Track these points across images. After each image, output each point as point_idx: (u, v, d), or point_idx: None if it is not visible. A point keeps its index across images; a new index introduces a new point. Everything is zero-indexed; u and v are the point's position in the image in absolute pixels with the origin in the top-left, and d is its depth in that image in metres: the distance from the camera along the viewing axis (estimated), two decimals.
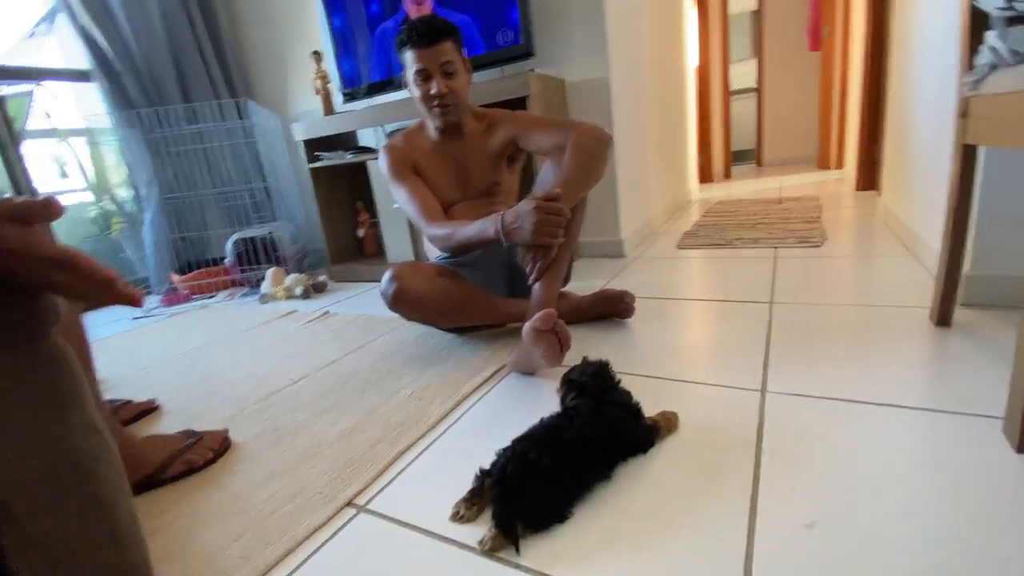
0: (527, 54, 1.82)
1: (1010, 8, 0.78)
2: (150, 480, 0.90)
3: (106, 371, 1.48)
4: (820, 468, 0.70)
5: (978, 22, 0.91)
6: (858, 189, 2.88)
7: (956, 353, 0.97)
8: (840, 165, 3.90)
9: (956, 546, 0.56)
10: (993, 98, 0.79)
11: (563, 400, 0.85)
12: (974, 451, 0.70)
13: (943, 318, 1.07)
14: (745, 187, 3.84)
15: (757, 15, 4.84)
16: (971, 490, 0.63)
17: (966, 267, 1.16)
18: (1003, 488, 0.63)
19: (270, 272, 2.19)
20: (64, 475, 0.56)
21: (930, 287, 1.14)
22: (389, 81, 2.11)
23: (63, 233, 2.39)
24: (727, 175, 4.78)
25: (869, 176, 2.79)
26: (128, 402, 1.20)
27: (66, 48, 2.50)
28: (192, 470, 0.93)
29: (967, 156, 0.94)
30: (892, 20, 2.18)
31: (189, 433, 1.00)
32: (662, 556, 0.59)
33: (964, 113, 0.91)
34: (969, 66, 0.91)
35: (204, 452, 0.96)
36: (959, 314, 1.13)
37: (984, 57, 0.83)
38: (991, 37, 0.82)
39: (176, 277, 2.40)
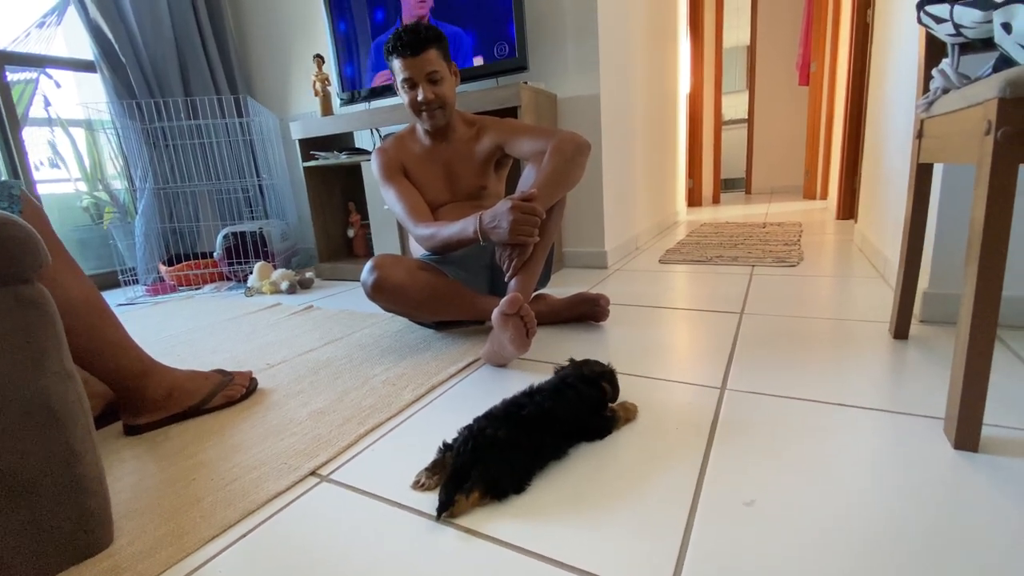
0: (521, 67, 1.89)
1: (959, 35, 0.84)
2: (196, 409, 1.00)
3: None
4: (768, 455, 0.73)
5: (935, 52, 0.97)
6: (838, 218, 2.96)
7: (908, 362, 1.01)
8: (824, 195, 4.01)
9: (888, 526, 0.59)
10: (941, 118, 0.85)
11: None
12: (915, 446, 0.74)
13: (900, 331, 1.11)
14: (732, 212, 3.93)
15: (750, 50, 5.01)
16: (909, 479, 0.66)
17: (924, 285, 1.21)
18: (939, 479, 0.66)
19: (257, 266, 2.21)
20: (36, 415, 0.58)
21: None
22: (388, 87, 2.17)
23: (55, 221, 2.40)
24: (716, 200, 4.88)
25: (849, 205, 2.88)
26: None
27: (71, 38, 2.55)
28: (231, 403, 1.04)
29: (921, 175, 0.99)
30: (873, 57, 2.28)
31: (222, 372, 1.09)
32: (606, 525, 0.62)
33: (919, 134, 0.97)
34: (925, 91, 0.97)
35: (239, 388, 1.06)
36: (917, 329, 1.17)
37: (936, 82, 0.89)
38: (944, 63, 0.88)
39: (164, 267, 2.41)
